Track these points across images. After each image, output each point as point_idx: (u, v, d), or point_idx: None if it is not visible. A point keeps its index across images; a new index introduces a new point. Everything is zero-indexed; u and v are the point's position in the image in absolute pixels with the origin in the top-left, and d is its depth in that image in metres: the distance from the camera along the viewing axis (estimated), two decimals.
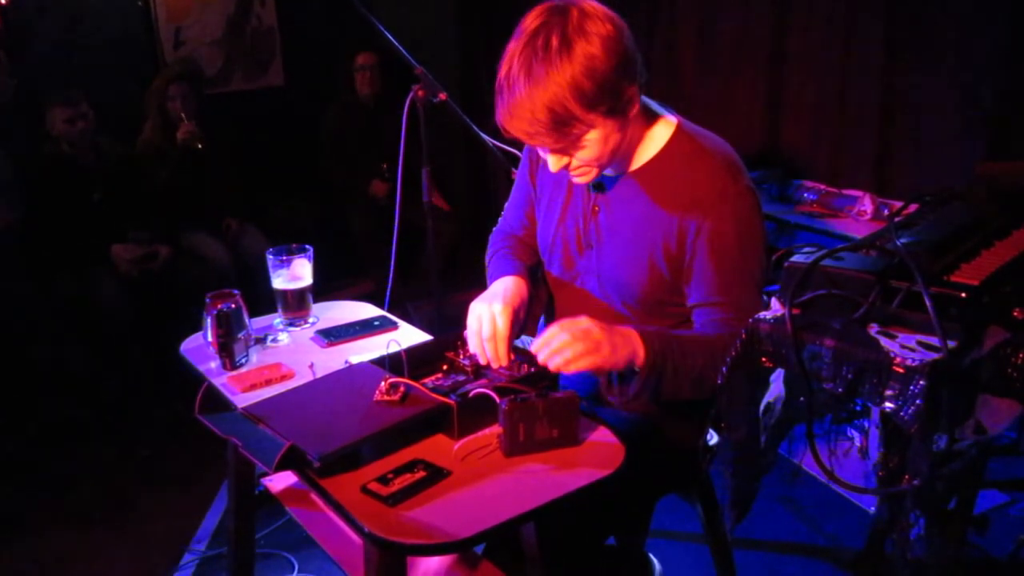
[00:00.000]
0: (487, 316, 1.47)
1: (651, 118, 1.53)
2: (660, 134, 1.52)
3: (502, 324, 1.47)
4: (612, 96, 1.37)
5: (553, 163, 1.47)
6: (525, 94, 1.35)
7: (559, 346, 1.35)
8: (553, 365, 1.35)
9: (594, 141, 1.41)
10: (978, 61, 2.80)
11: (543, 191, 1.71)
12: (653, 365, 1.39)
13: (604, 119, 1.39)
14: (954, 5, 2.86)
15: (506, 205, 1.86)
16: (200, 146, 3.52)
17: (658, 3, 3.95)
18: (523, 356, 1.48)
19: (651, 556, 2.00)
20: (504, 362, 1.46)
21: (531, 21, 1.38)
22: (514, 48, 1.38)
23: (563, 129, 1.38)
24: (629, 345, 1.38)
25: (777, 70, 3.49)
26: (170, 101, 3.55)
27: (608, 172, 1.56)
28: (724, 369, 1.26)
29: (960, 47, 2.85)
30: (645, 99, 1.51)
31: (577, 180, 1.53)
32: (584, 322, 1.37)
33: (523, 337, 1.74)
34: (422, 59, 2.31)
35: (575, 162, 1.47)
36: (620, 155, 1.50)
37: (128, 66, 3.90)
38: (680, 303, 1.54)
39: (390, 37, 2.32)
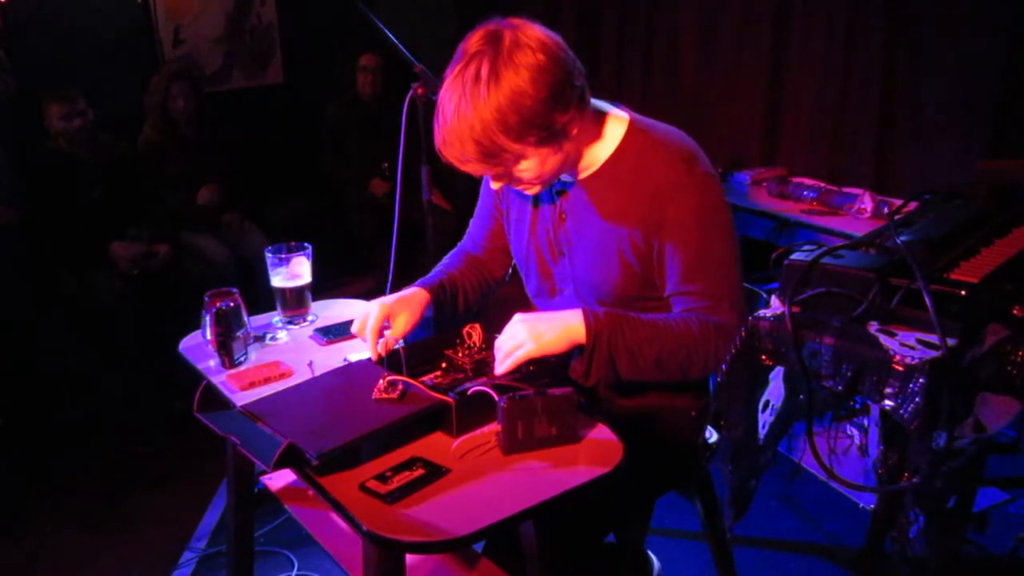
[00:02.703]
0: (368, 310, 1.56)
1: (602, 120, 1.52)
2: (613, 133, 1.52)
3: (373, 320, 1.53)
4: (541, 127, 1.36)
5: (493, 182, 1.50)
6: (453, 126, 1.35)
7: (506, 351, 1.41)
8: (501, 370, 1.41)
9: (529, 167, 1.42)
10: (978, 59, 2.79)
11: (511, 206, 1.71)
12: (596, 342, 1.41)
13: (536, 148, 1.39)
14: (954, 3, 2.85)
15: (471, 221, 1.86)
16: (224, 216, 3.66)
17: (659, 3, 3.95)
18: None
19: (650, 554, 2.00)
20: (372, 353, 1.52)
21: (469, 46, 1.36)
22: (449, 75, 1.37)
23: (493, 160, 1.38)
24: (563, 325, 1.41)
25: (777, 68, 3.49)
26: (171, 100, 3.55)
27: (567, 178, 1.56)
28: (723, 366, 1.26)
29: (960, 44, 2.85)
30: (594, 101, 1.50)
31: (525, 192, 1.54)
32: (515, 318, 1.43)
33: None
34: (422, 57, 2.31)
35: (515, 181, 1.48)
36: (569, 166, 1.50)
37: (128, 64, 3.89)
38: (655, 296, 1.54)
39: (389, 34, 2.31)
